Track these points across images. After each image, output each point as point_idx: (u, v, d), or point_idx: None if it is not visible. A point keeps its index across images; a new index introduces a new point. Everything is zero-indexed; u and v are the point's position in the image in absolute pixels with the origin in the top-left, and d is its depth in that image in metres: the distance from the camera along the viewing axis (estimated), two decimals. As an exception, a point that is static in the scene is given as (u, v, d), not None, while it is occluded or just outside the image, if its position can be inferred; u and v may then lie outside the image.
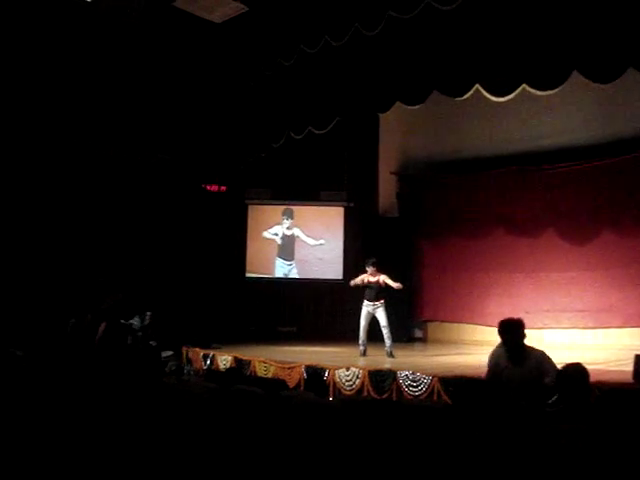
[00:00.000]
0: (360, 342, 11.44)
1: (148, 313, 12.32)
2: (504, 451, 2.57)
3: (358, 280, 11.57)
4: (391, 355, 11.19)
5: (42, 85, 12.65)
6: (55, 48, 12.56)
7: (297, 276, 15.50)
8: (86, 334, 11.85)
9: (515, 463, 2.53)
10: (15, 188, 12.53)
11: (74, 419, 4.09)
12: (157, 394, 4.30)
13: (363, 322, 11.41)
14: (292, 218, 15.40)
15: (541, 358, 6.19)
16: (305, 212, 15.76)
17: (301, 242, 15.49)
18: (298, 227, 15.41)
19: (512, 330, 6.32)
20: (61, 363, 6.15)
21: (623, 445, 2.79)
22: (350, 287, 11.81)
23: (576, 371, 4.50)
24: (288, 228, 15.48)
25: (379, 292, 11.37)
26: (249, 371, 10.79)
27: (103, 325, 11.69)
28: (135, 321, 12.21)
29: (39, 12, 12.12)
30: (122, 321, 12.14)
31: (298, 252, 15.45)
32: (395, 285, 11.21)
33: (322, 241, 15.46)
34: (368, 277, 11.42)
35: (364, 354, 11.37)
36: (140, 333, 12.17)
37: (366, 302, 11.44)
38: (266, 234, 15.40)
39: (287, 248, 15.43)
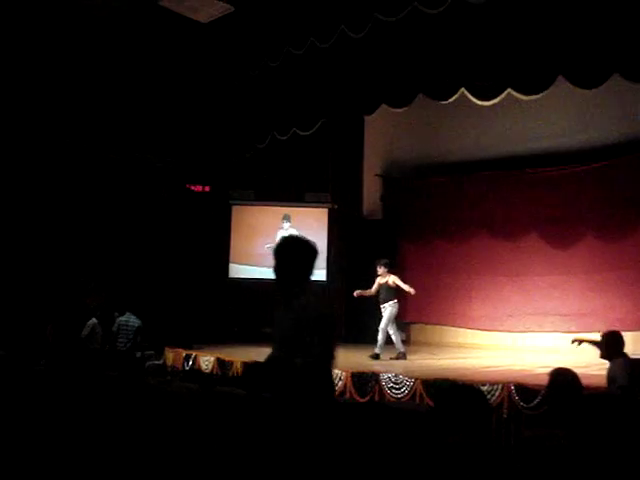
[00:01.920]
0: (396, 345, 11.36)
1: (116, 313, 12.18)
2: (484, 455, 2.57)
3: (372, 291, 11.55)
4: (375, 357, 11.10)
5: (27, 84, 12.58)
6: (38, 48, 12.49)
7: None
8: (68, 334, 11.79)
9: (496, 467, 2.53)
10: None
11: (55, 419, 4.07)
12: (138, 394, 4.28)
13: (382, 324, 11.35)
14: (290, 222, 15.32)
15: None
16: (290, 214, 15.72)
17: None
18: (295, 229, 15.35)
19: None
20: (43, 364, 6.12)
21: (605, 449, 2.80)
22: (354, 294, 11.78)
23: (566, 377, 4.49)
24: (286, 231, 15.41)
25: (388, 293, 11.34)
26: (232, 372, 10.77)
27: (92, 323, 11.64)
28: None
29: (26, 13, 12.06)
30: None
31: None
32: (406, 288, 11.27)
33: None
34: (379, 279, 11.46)
35: (402, 356, 11.23)
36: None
37: (381, 305, 11.43)
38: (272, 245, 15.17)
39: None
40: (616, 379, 6.50)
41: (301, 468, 3.07)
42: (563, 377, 4.51)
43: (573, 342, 8.09)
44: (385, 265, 11.47)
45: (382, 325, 11.24)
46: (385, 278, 11.38)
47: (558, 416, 4.02)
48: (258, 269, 15.16)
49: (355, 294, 11.69)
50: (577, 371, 7.72)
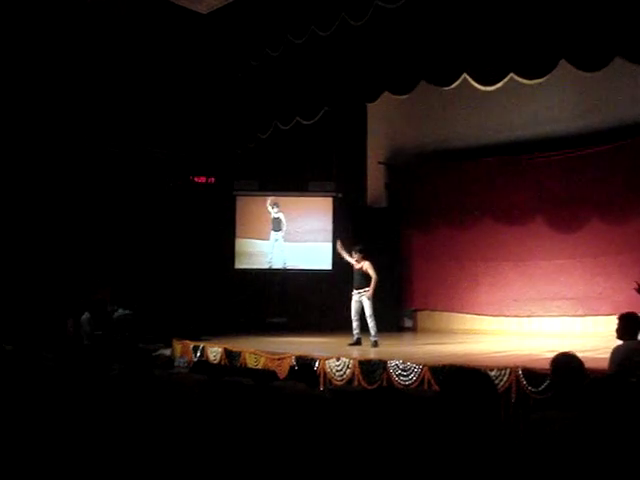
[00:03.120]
0: (353, 331, 11.42)
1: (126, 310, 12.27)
2: (492, 440, 2.58)
3: (345, 255, 11.70)
4: (375, 345, 11.14)
5: (28, 80, 12.57)
6: (37, 42, 12.48)
7: (283, 243, 15.51)
8: (74, 328, 11.86)
9: (503, 453, 2.54)
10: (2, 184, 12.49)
11: (63, 413, 4.09)
12: (147, 386, 4.29)
13: (352, 310, 11.42)
14: (279, 206, 15.40)
15: None
16: (294, 203, 15.74)
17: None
18: (282, 213, 15.44)
19: None
20: (50, 357, 6.13)
21: (611, 432, 2.80)
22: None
23: (570, 361, 4.47)
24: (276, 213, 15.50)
25: (362, 279, 11.34)
26: (239, 362, 10.79)
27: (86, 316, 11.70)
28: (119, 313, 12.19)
29: (26, 8, 12.05)
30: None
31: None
32: (372, 274, 11.23)
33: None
34: (354, 263, 11.47)
35: (356, 343, 11.31)
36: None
37: (354, 290, 11.45)
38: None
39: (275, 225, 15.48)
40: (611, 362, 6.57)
41: (308, 457, 3.08)
42: (566, 363, 4.48)
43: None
44: (360, 251, 11.47)
45: (368, 312, 11.21)
46: (359, 264, 11.39)
47: (564, 400, 4.02)
48: (265, 242, 15.56)
49: (338, 246, 11.94)
50: (584, 354, 7.74)
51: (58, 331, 11.66)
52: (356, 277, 11.44)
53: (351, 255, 11.58)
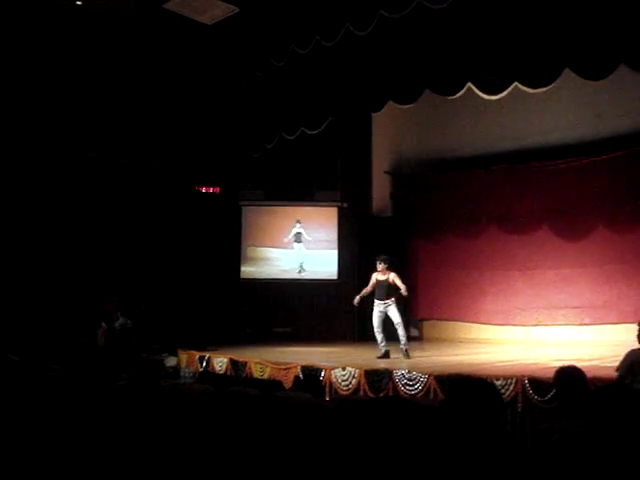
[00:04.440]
0: (379, 344, 11.07)
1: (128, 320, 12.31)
2: (498, 449, 2.58)
3: (368, 288, 11.30)
4: (406, 354, 10.89)
5: (34, 89, 12.63)
6: (46, 52, 12.55)
7: (305, 251, 15.73)
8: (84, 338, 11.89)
9: (509, 462, 2.54)
10: (7, 192, 12.52)
11: (70, 424, 4.09)
12: (153, 397, 4.29)
13: (376, 322, 11.07)
14: (301, 222, 15.62)
15: None
16: (300, 213, 15.83)
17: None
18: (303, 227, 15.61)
19: None
20: (56, 368, 6.14)
21: (618, 440, 2.80)
22: (356, 296, 11.44)
23: (573, 374, 4.47)
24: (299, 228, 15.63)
25: (389, 290, 11.11)
26: (245, 373, 10.80)
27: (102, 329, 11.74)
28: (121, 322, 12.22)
29: (29, 16, 12.10)
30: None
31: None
32: (403, 289, 10.97)
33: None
34: (377, 275, 11.20)
35: (386, 356, 10.94)
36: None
37: (377, 301, 11.15)
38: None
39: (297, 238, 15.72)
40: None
41: (313, 466, 3.08)
42: (569, 375, 4.49)
43: None
44: (384, 261, 11.22)
45: (397, 320, 10.97)
46: (385, 275, 11.15)
47: (570, 409, 4.02)
48: (277, 250, 15.79)
49: (356, 302, 11.47)
50: (591, 363, 7.74)
51: (75, 341, 11.68)
52: (381, 288, 11.13)
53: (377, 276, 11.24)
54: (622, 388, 3.24)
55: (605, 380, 6.48)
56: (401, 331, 10.98)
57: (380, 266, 11.23)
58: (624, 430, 2.83)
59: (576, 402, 4.08)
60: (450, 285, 14.58)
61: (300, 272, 15.58)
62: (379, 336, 11.08)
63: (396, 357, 10.89)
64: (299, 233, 15.68)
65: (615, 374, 6.79)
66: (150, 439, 3.78)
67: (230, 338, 13.75)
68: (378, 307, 11.13)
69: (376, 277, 11.24)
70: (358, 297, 11.41)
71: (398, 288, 11.08)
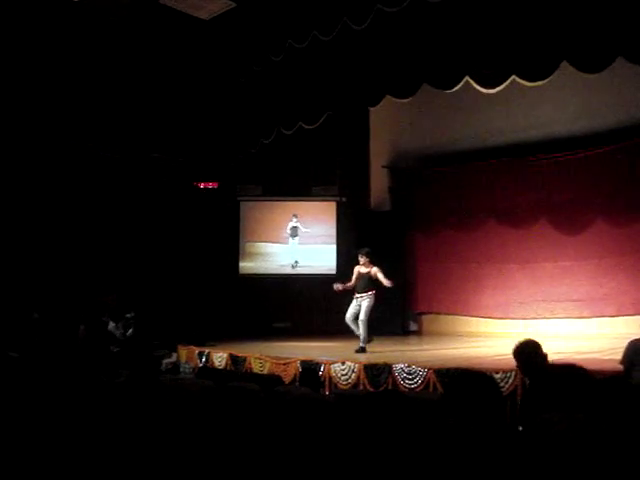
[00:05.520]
0: (355, 332, 11.10)
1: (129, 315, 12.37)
2: (497, 442, 2.58)
3: (348, 284, 11.29)
4: (362, 350, 10.81)
5: (31, 85, 12.61)
6: (44, 48, 12.51)
7: (299, 246, 15.83)
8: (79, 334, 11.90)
9: (509, 455, 2.54)
10: (5, 188, 12.52)
11: (69, 420, 4.09)
12: (153, 392, 4.29)
13: (349, 313, 11.10)
14: (297, 217, 15.70)
15: None
16: (297, 207, 15.84)
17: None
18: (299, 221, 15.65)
19: None
20: (55, 363, 6.14)
21: (618, 433, 2.80)
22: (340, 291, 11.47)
23: (527, 346, 4.89)
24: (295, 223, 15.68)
25: (368, 283, 11.10)
26: (245, 368, 10.80)
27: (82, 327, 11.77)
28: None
29: (25, 11, 12.07)
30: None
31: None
32: (386, 282, 10.89)
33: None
34: (360, 268, 11.20)
35: (367, 342, 10.98)
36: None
37: (356, 294, 11.15)
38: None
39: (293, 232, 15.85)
40: None
41: (313, 461, 3.08)
42: (527, 347, 5.30)
43: None
44: (367, 254, 11.21)
45: (362, 317, 10.94)
46: (367, 268, 11.12)
47: (570, 403, 4.02)
48: (275, 245, 15.89)
49: (336, 288, 11.45)
50: (591, 356, 7.76)
51: (68, 338, 11.68)
52: (363, 281, 11.13)
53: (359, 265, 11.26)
54: (623, 381, 3.24)
55: (605, 373, 6.48)
56: (363, 328, 10.94)
57: (362, 259, 11.23)
58: (625, 423, 2.83)
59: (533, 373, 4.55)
60: (449, 279, 14.59)
61: (294, 267, 15.61)
62: (353, 326, 11.11)
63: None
64: (295, 227, 15.72)
65: (620, 367, 6.78)
66: (150, 435, 3.78)
67: (229, 333, 13.75)
68: (356, 300, 11.16)
69: (358, 270, 11.24)
70: (341, 286, 11.42)
71: (379, 284, 11.06)
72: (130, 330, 12.18)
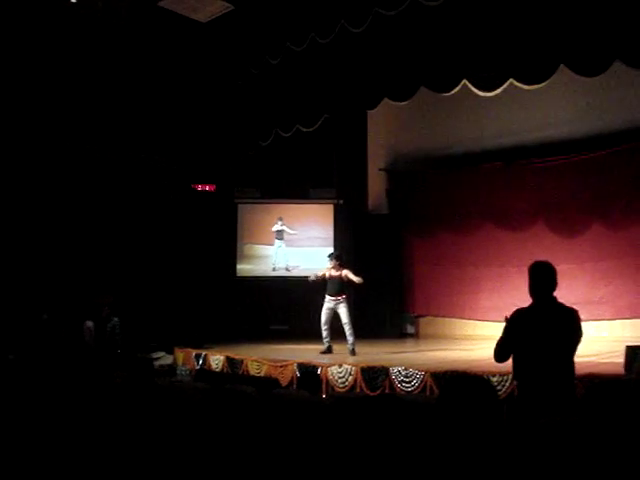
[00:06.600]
0: (323, 339, 11.21)
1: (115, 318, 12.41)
2: (494, 446, 2.57)
3: (319, 274, 11.38)
4: (353, 353, 10.89)
5: (29, 87, 12.61)
6: (42, 51, 12.52)
7: (286, 248, 15.79)
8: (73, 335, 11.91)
9: (506, 458, 2.53)
10: (5, 188, 12.52)
11: (66, 422, 4.08)
12: (149, 395, 4.29)
13: (323, 318, 11.15)
14: (282, 220, 15.64)
15: None
16: (295, 211, 15.82)
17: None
18: (284, 224, 15.64)
19: None
20: (50, 365, 6.14)
21: (616, 436, 2.79)
22: (313, 282, 11.55)
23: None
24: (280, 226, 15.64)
25: (341, 287, 11.14)
26: (242, 370, 10.79)
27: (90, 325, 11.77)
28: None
29: (23, 14, 12.07)
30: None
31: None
32: (356, 279, 11.01)
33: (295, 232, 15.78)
34: (330, 271, 11.21)
35: (328, 351, 11.11)
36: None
37: (327, 297, 11.17)
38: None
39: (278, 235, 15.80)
40: None
41: (310, 464, 3.08)
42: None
43: None
44: (337, 258, 11.30)
45: (345, 320, 10.99)
46: (338, 271, 11.14)
47: (567, 407, 4.03)
48: (272, 248, 15.90)
49: (310, 280, 11.55)
50: (588, 359, 7.76)
51: (76, 338, 11.71)
52: (333, 284, 11.15)
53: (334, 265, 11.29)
54: (621, 384, 3.24)
55: (602, 376, 6.48)
56: (348, 330, 11.01)
57: (331, 263, 11.28)
58: (623, 426, 2.83)
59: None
60: (446, 282, 14.58)
61: (289, 270, 15.61)
62: (325, 332, 11.18)
63: (339, 353, 11.01)
64: (281, 231, 15.73)
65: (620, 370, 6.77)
66: (146, 437, 3.77)
67: (226, 336, 13.75)
68: (328, 303, 11.17)
69: (329, 272, 11.24)
70: (313, 276, 11.48)
71: (352, 284, 11.17)
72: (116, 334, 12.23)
